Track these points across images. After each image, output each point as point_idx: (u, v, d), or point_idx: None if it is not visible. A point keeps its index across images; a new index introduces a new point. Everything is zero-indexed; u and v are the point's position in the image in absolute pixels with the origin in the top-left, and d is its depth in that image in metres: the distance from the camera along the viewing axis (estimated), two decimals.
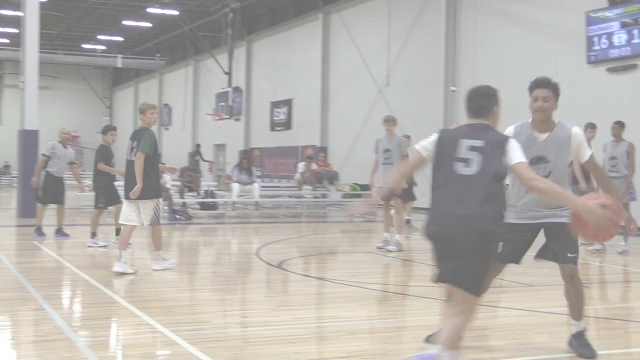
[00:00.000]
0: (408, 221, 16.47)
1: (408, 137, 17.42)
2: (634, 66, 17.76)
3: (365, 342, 6.34)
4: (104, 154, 12.67)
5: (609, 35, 18.29)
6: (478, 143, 4.69)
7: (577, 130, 5.90)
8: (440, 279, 4.75)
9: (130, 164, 9.99)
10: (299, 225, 19.19)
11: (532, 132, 5.82)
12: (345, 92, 29.48)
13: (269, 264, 11.06)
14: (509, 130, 5.89)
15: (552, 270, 11.00)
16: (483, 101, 4.94)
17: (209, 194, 20.76)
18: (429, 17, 24.63)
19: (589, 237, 4.90)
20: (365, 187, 20.85)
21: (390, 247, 12.69)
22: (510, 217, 5.59)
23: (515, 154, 4.68)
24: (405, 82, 25.73)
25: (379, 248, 12.83)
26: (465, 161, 4.65)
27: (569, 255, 5.69)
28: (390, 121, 13.00)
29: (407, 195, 16.36)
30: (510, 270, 10.73)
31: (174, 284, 9.40)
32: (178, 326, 6.61)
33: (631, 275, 11.19)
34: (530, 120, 5.90)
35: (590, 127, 13.81)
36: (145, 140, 9.78)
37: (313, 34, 31.62)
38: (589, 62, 18.82)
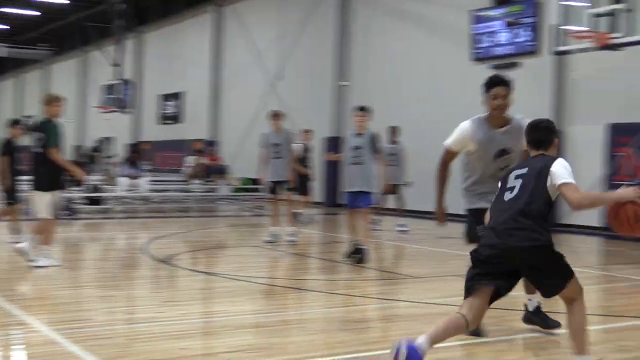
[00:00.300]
0: (299, 214, 16.53)
1: (308, 131, 17.54)
2: (517, 64, 18.35)
3: (252, 337, 6.31)
4: (8, 148, 12.27)
5: (493, 34, 18.84)
6: (523, 171, 4.95)
7: (526, 119, 6.15)
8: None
9: (38, 156, 9.77)
10: (187, 219, 18.97)
11: (489, 127, 6.22)
12: (237, 86, 29.33)
13: (156, 259, 10.89)
14: (464, 126, 6.29)
15: (438, 263, 11.30)
16: (543, 135, 5.12)
17: (95, 188, 20.24)
18: (321, 12, 24.78)
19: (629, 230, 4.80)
20: (256, 181, 20.83)
21: (290, 238, 12.94)
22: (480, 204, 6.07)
23: (558, 176, 4.78)
24: (298, 76, 25.81)
25: (267, 242, 12.84)
26: (511, 189, 4.91)
27: None
28: (277, 116, 13.06)
29: (302, 188, 16.47)
30: (398, 263, 10.93)
31: (56, 281, 9.11)
32: (60, 324, 6.41)
33: None
34: (484, 116, 6.31)
35: None
36: (53, 135, 9.68)
37: (205, 26, 31.32)
38: (474, 59, 19.34)
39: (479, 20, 19.21)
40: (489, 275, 4.78)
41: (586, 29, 13.51)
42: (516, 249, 4.69)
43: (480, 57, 19.20)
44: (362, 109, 11.04)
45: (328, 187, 23.34)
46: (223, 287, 8.81)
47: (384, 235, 14.52)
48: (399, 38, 21.92)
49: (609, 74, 15.87)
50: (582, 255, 13.52)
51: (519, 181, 4.90)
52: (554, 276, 4.80)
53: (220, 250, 13.21)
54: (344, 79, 23.79)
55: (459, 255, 12.43)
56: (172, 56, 34.16)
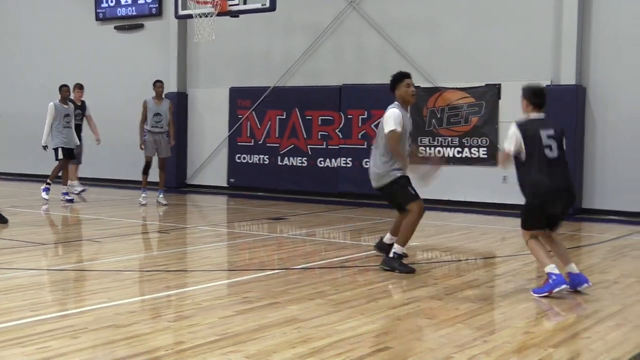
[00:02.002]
0: None
1: None
2: (141, 26, 18.36)
3: None
4: None
5: None
6: (551, 132, 6.64)
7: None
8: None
9: None
10: None
11: (405, 112, 7.81)
12: None
13: None
14: (397, 112, 7.65)
15: (69, 228, 11.01)
16: (545, 98, 6.83)
17: None
18: None
19: None
20: None
21: None
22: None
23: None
24: None
25: None
26: (549, 147, 6.59)
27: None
28: None
29: None
30: (22, 230, 10.47)
31: None
32: None
33: (140, 227, 11.70)
34: (398, 104, 7.80)
35: (78, 88, 14.62)
36: None
37: None
38: (97, 19, 18.97)
39: None
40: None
41: None
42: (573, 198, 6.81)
43: (104, 18, 18.87)
44: None
45: None
46: None
47: (17, 202, 13.77)
48: None
49: (228, 40, 16.55)
50: (208, 214, 14.09)
51: (553, 142, 6.58)
52: None
53: None
54: None
55: (91, 220, 12.25)
56: None
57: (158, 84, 13.95)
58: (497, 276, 7.87)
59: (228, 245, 9.89)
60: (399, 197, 7.80)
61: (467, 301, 6.31)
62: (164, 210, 13.48)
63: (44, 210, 13.06)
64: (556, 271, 6.54)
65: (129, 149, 16.65)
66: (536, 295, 6.54)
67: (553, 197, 6.62)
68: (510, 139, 6.68)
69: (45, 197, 13.85)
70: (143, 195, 13.94)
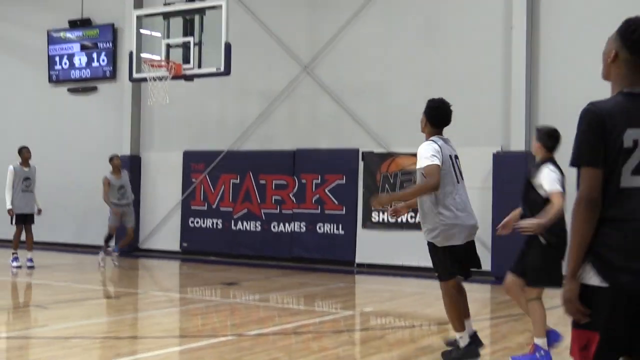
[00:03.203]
0: None
1: None
2: (94, 88, 18.30)
3: None
4: None
5: (70, 56, 18.58)
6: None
7: None
8: None
9: None
10: None
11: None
12: None
13: None
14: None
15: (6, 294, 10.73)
16: (559, 141, 6.63)
17: None
18: None
19: None
20: None
21: None
22: None
23: None
24: None
25: None
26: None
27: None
28: None
29: None
30: None
31: None
32: None
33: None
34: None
35: None
36: None
37: None
38: (51, 81, 18.89)
39: (55, 41, 18.80)
40: None
41: (161, 58, 13.97)
42: None
43: (57, 80, 18.80)
44: None
45: None
46: None
47: None
48: None
49: (182, 103, 16.56)
50: (160, 279, 13.90)
51: None
52: None
53: None
54: None
55: (40, 285, 11.98)
56: None
57: (115, 158, 14.08)
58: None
59: (180, 311, 9.74)
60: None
61: None
62: (115, 271, 13.30)
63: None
64: (546, 347, 6.25)
65: (79, 213, 16.47)
66: None
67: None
68: (553, 179, 6.26)
69: (16, 265, 13.48)
70: (103, 257, 13.78)
